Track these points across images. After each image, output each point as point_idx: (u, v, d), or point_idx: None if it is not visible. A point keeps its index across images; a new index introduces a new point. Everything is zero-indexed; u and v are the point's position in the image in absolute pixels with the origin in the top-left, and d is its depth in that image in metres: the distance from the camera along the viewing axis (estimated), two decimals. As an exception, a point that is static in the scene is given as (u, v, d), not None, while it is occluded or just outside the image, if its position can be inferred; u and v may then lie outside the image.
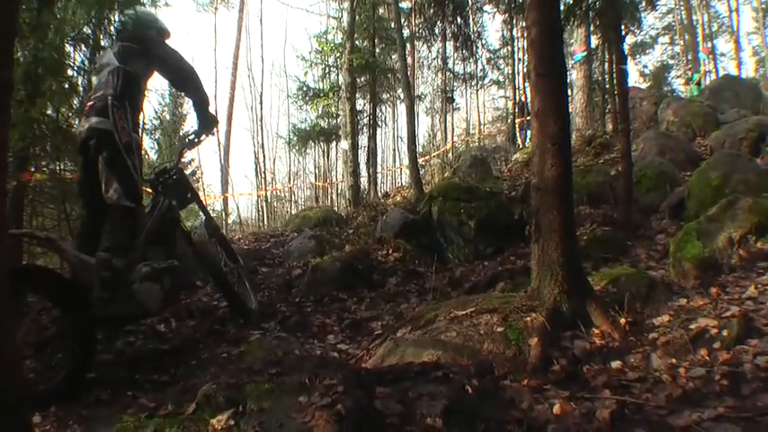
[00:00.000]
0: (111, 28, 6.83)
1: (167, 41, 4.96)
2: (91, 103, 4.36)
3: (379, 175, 20.78)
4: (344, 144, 13.90)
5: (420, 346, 3.75)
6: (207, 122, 5.08)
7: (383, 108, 23.43)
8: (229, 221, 19.69)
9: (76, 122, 6.42)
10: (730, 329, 3.22)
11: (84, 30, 6.67)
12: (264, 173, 22.31)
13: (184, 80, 4.88)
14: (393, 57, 18.04)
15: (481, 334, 3.63)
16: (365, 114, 18.27)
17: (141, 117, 4.73)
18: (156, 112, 16.41)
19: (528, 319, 3.62)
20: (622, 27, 7.52)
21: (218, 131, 4.88)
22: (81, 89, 6.79)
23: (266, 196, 20.09)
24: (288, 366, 3.05)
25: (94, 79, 4.65)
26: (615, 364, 3.27)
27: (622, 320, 3.65)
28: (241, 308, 5.24)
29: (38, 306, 3.84)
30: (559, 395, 2.89)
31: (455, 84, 23.20)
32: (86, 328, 3.81)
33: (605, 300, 3.90)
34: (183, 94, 7.01)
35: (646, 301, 3.98)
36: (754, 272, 4.27)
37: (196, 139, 5.15)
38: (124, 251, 4.14)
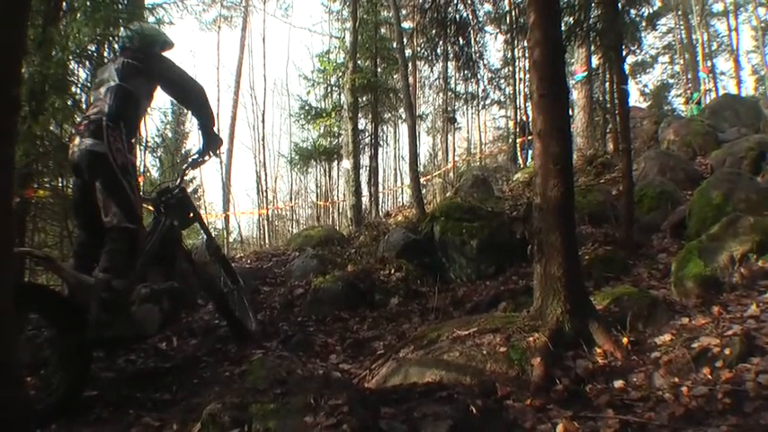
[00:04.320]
0: (116, 45, 6.84)
1: (170, 53, 4.83)
2: (85, 122, 4.22)
3: (381, 195, 20.85)
4: (346, 163, 13.97)
5: (423, 365, 3.75)
6: (211, 142, 5.00)
7: (385, 128, 23.59)
8: (231, 240, 19.70)
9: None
10: (732, 348, 3.23)
11: (89, 47, 6.71)
12: (266, 191, 22.40)
13: (188, 96, 4.78)
14: (395, 77, 18.13)
15: (484, 354, 3.63)
16: (367, 134, 18.37)
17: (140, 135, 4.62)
18: (159, 130, 16.38)
19: (530, 338, 3.63)
20: (623, 47, 7.56)
21: (221, 152, 4.81)
22: (84, 106, 6.83)
23: (268, 215, 20.11)
24: (292, 386, 3.05)
25: (92, 94, 4.54)
26: (618, 383, 3.27)
27: (625, 340, 3.65)
28: (240, 329, 5.24)
29: (34, 324, 3.77)
30: (562, 415, 2.89)
31: (457, 103, 23.31)
32: (81, 348, 3.73)
33: (607, 319, 3.90)
34: (187, 111, 6.95)
35: (648, 320, 3.97)
36: (756, 290, 4.27)
37: (199, 159, 5.09)
38: (124, 272, 4.05)
